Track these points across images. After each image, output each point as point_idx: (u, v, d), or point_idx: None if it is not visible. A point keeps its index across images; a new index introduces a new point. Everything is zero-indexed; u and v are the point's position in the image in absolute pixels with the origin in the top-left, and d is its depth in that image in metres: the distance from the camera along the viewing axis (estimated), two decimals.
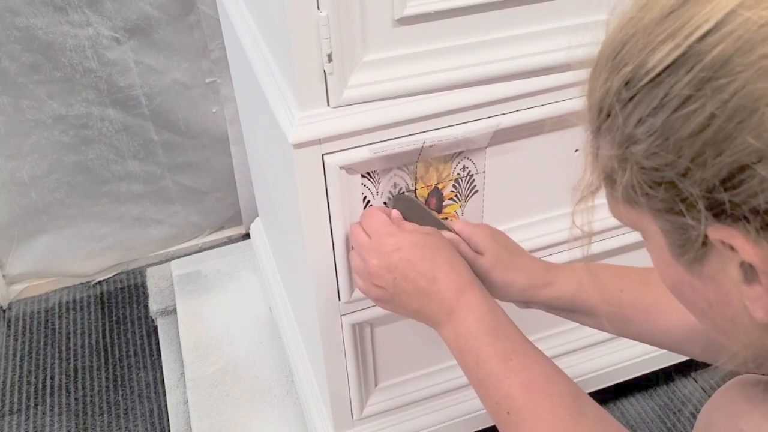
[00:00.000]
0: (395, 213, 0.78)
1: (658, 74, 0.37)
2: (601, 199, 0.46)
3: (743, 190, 0.35)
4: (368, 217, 0.75)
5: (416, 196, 0.82)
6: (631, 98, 0.39)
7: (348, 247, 0.82)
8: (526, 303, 0.77)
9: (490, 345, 0.64)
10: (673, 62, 0.36)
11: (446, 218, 0.86)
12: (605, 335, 1.13)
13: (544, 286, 0.75)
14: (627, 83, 0.39)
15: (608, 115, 0.41)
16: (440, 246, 0.71)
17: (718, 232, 0.37)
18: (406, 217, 0.79)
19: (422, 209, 0.80)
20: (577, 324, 1.10)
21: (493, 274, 0.74)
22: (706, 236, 0.38)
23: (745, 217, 0.36)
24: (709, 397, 0.52)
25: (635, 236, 0.96)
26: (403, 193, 0.81)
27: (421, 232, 0.72)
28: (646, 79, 0.38)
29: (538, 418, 0.59)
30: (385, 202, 0.81)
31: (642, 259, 0.98)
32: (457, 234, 0.76)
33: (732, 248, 0.37)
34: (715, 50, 0.35)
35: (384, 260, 0.70)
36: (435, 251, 0.70)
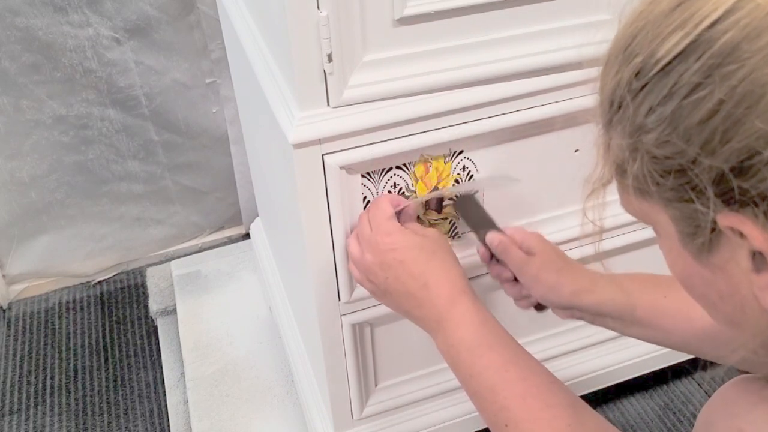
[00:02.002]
0: (411, 205, 0.77)
1: (668, 63, 0.37)
2: (612, 195, 0.46)
3: (752, 175, 0.35)
4: (375, 207, 0.74)
5: (475, 198, 0.83)
6: (642, 88, 0.39)
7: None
8: (570, 309, 0.77)
9: (484, 356, 0.63)
10: (683, 51, 0.37)
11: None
12: (604, 336, 1.13)
13: (590, 290, 0.75)
14: (637, 74, 0.39)
15: (619, 107, 0.41)
16: (437, 249, 0.70)
17: (727, 219, 0.37)
18: (463, 216, 0.80)
19: (481, 211, 0.80)
20: (575, 324, 1.11)
21: (544, 275, 0.74)
22: (715, 223, 0.38)
23: (755, 203, 0.36)
24: (710, 396, 0.52)
25: (642, 234, 0.97)
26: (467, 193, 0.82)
27: (420, 234, 0.72)
28: (656, 68, 0.38)
29: (537, 430, 0.59)
30: (452, 199, 0.82)
31: (647, 257, 0.98)
32: (508, 237, 0.76)
33: (741, 235, 0.37)
34: (723, 37, 0.35)
35: (378, 258, 0.70)
36: (430, 255, 0.70)
